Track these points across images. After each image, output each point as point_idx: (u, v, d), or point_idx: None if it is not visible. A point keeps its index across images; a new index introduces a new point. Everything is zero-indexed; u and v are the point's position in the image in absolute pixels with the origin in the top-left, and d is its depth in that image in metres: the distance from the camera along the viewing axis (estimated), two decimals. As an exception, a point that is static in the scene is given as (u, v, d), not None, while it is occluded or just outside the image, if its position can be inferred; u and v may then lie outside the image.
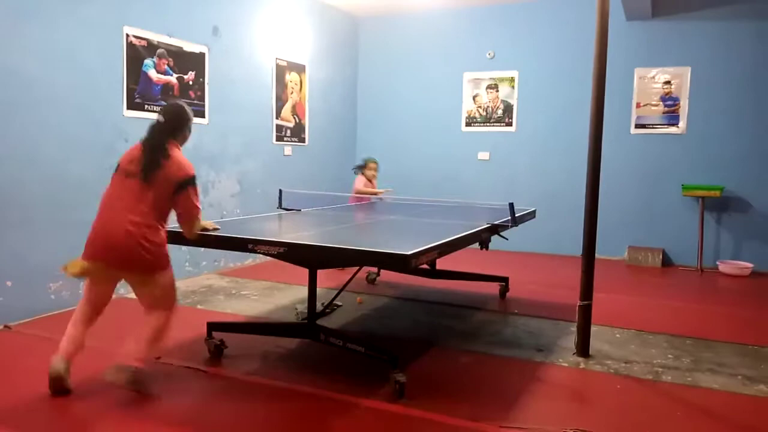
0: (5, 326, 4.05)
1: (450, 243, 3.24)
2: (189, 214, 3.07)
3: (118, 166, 3.09)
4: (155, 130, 3.08)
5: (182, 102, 3.34)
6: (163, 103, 5.26)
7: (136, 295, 3.13)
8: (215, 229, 3.26)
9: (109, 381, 2.89)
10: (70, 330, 3.08)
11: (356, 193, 6.16)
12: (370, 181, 6.33)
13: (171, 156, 3.01)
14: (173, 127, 3.12)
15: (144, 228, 2.91)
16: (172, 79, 5.37)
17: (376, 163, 6.39)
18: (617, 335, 4.17)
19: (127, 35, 4.91)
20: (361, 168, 6.34)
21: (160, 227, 3.02)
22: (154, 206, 2.96)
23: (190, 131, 3.24)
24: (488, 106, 7.85)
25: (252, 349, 3.68)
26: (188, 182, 3.02)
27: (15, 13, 4.08)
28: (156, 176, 2.96)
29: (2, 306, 4.08)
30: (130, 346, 2.99)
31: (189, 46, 5.54)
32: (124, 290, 5.01)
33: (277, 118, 6.87)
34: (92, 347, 3.72)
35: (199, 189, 3.14)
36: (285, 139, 7.04)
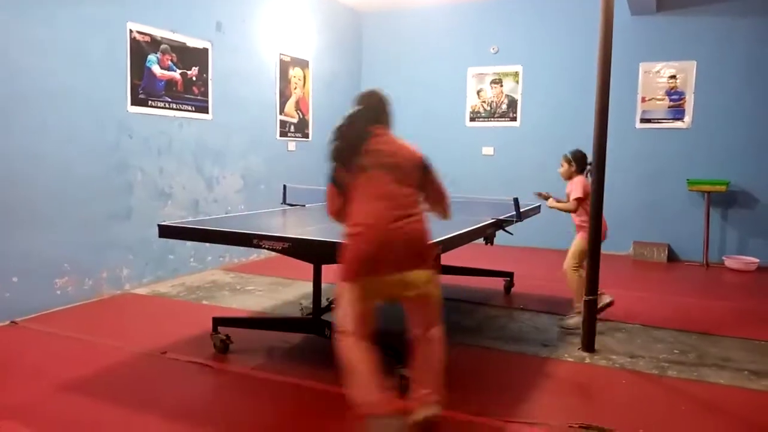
0: (11, 322, 4.07)
1: (455, 238, 3.24)
2: None
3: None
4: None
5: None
6: (168, 99, 5.27)
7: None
8: None
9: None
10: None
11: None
12: (566, 178, 5.64)
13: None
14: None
15: None
16: (176, 74, 5.37)
17: (563, 157, 5.14)
18: (623, 330, 4.16)
19: (131, 31, 4.91)
20: None
21: None
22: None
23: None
24: (492, 101, 7.83)
25: (257, 344, 3.69)
26: None
27: (18, 9, 4.08)
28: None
29: (8, 302, 4.09)
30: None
31: (192, 42, 5.53)
32: (129, 285, 5.03)
33: (280, 113, 6.86)
34: (95, 342, 3.74)
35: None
36: (289, 134, 7.04)
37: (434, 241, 2.52)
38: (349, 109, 2.60)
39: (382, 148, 2.50)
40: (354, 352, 2.41)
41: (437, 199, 2.62)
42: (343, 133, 2.55)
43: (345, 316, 2.44)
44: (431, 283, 2.46)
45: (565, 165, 4.74)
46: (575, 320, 4.08)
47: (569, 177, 4.68)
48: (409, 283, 2.41)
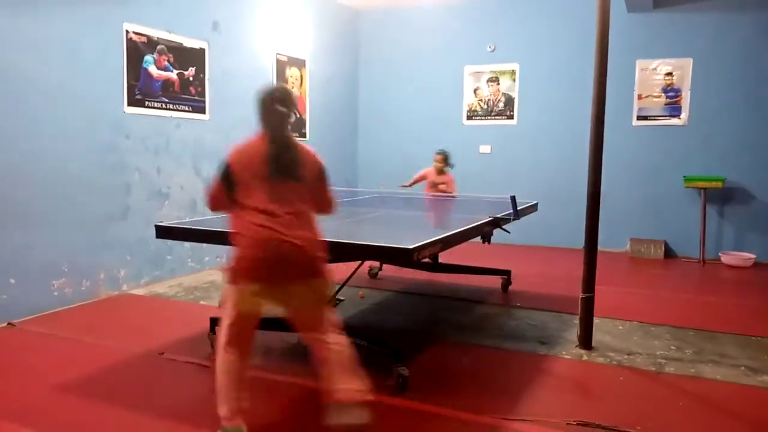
0: (9, 323, 4.06)
1: (452, 236, 3.24)
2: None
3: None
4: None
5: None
6: (165, 99, 5.26)
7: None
8: None
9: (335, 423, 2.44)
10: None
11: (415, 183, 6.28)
12: (437, 172, 6.12)
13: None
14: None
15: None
16: (173, 75, 5.36)
17: (441, 154, 6.11)
18: (620, 327, 4.17)
19: (127, 31, 4.90)
20: None
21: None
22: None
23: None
24: (489, 99, 7.83)
25: (255, 343, 3.68)
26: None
27: (14, 10, 4.08)
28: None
29: (6, 303, 4.09)
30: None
31: (189, 42, 5.53)
32: (126, 286, 5.03)
33: (277, 113, 6.85)
34: (93, 344, 3.74)
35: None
36: (286, 134, 7.02)
37: (322, 253, 2.51)
38: (265, 106, 2.52)
39: (285, 155, 2.47)
40: (224, 361, 2.47)
41: (325, 209, 2.65)
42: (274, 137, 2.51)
43: (226, 319, 2.46)
44: (320, 292, 2.48)
45: (442, 161, 5.94)
46: None
47: (442, 171, 5.92)
48: (297, 294, 2.43)
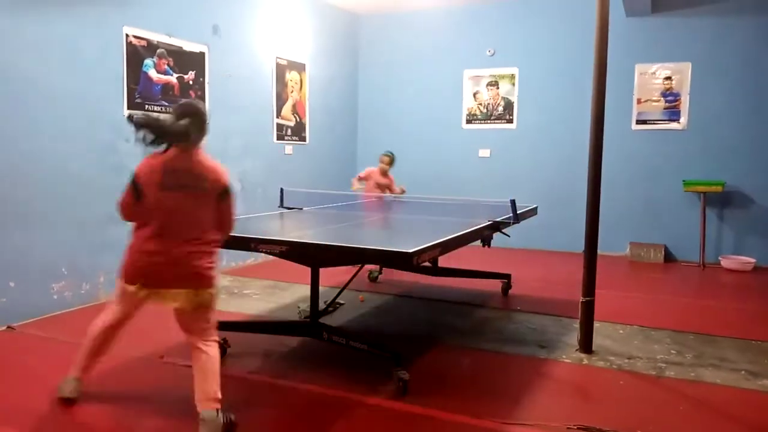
0: (8, 327, 4.06)
1: (452, 240, 3.24)
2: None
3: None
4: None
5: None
6: (165, 103, 5.27)
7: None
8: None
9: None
10: None
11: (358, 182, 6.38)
12: (382, 174, 6.36)
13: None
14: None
15: None
16: (173, 78, 5.37)
17: (388, 156, 6.37)
18: (620, 331, 4.17)
19: (127, 35, 4.91)
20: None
21: None
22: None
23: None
24: (489, 103, 7.84)
25: (255, 347, 3.69)
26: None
27: (15, 11, 4.08)
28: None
29: (5, 306, 4.08)
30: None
31: (189, 46, 5.54)
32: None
33: (277, 117, 6.87)
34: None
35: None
36: (286, 138, 7.04)
37: (208, 264, 2.68)
38: (170, 119, 2.66)
39: (188, 168, 2.64)
40: (100, 332, 2.85)
41: (223, 227, 2.78)
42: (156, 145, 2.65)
43: (114, 304, 2.83)
44: (195, 301, 2.66)
45: (390, 163, 6.25)
46: None
47: (386, 173, 6.24)
48: (174, 299, 2.66)
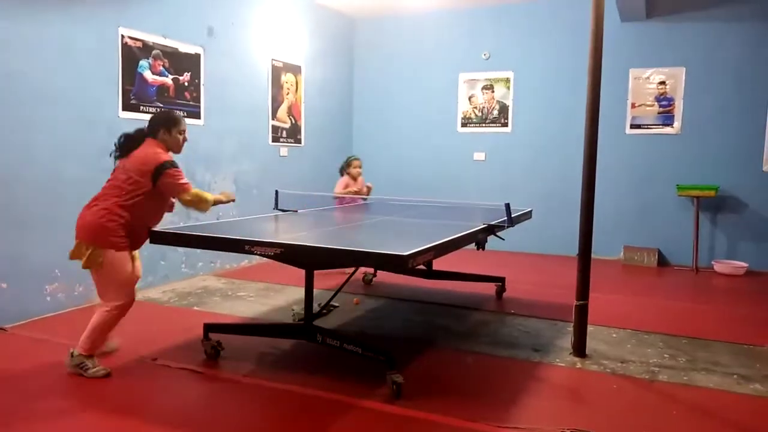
0: (1, 328, 4.04)
1: (446, 243, 3.24)
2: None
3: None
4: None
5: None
6: (160, 104, 5.26)
7: None
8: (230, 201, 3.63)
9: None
10: None
11: (335, 195, 6.08)
12: (355, 179, 6.17)
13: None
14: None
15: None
16: (168, 80, 5.36)
17: (359, 160, 6.23)
18: (613, 335, 4.18)
19: (122, 36, 4.90)
20: (345, 168, 6.20)
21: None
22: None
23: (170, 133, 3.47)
24: (484, 107, 7.86)
25: (249, 350, 3.68)
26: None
27: (10, 12, 4.07)
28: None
29: (-2, 308, 4.06)
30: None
31: (184, 47, 5.53)
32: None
33: (272, 119, 6.87)
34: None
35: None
36: (281, 140, 7.04)
37: (100, 228, 3.23)
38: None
39: (134, 154, 3.33)
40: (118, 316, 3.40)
41: (177, 194, 3.36)
42: (122, 141, 3.43)
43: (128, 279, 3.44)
44: (82, 255, 3.25)
45: (360, 165, 6.21)
46: None
47: (358, 176, 6.20)
48: (75, 247, 3.29)
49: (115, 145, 3.41)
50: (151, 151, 3.30)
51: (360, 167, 6.22)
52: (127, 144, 3.39)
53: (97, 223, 3.21)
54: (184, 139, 3.52)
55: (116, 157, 3.39)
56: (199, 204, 3.37)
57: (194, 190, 3.35)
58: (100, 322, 3.27)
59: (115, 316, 3.32)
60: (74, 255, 3.29)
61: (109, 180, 3.35)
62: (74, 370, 3.22)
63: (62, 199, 4.47)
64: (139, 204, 3.26)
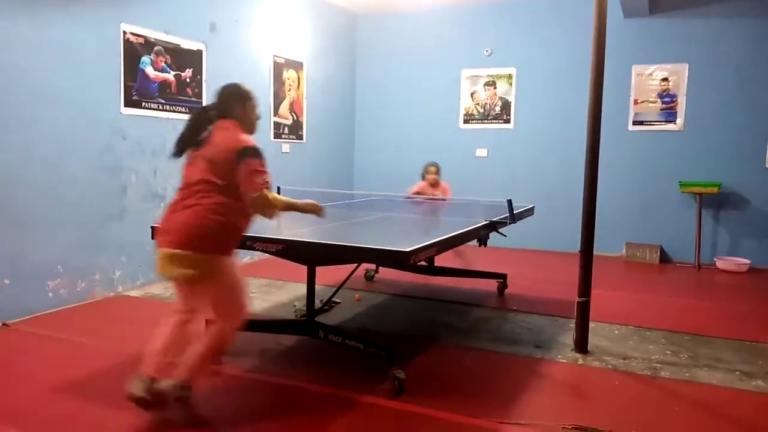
0: (3, 324, 4.05)
1: (448, 240, 3.25)
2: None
3: None
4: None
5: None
6: (161, 100, 5.26)
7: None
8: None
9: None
10: None
11: (407, 196, 5.86)
12: (432, 186, 5.84)
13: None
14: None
15: None
16: (170, 76, 5.36)
17: (434, 166, 5.90)
18: (615, 331, 4.18)
19: (124, 32, 4.90)
20: (424, 174, 5.90)
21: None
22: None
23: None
24: (486, 103, 7.85)
25: (251, 346, 3.68)
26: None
27: (11, 9, 4.07)
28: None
29: (0, 304, 4.07)
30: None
31: (186, 44, 5.52)
32: (121, 287, 5.02)
33: (274, 115, 6.86)
34: (88, 345, 3.73)
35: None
36: (283, 136, 7.03)
37: (208, 231, 2.64)
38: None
39: (212, 141, 2.70)
40: (164, 323, 2.76)
41: (246, 189, 2.67)
42: (188, 124, 2.78)
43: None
44: (183, 265, 2.59)
45: (436, 172, 5.79)
46: None
47: (436, 183, 5.73)
48: (164, 260, 2.63)
49: (184, 135, 2.75)
50: (230, 135, 2.71)
51: (435, 173, 5.86)
52: (200, 130, 2.75)
53: (203, 224, 2.59)
54: (257, 117, 2.93)
55: (185, 149, 2.76)
56: (265, 209, 2.74)
57: (271, 193, 2.74)
58: (213, 345, 2.71)
59: (232, 336, 2.79)
60: (167, 269, 2.62)
61: (187, 176, 2.73)
62: (159, 399, 2.63)
63: (64, 195, 4.48)
64: (231, 201, 2.68)
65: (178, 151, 2.76)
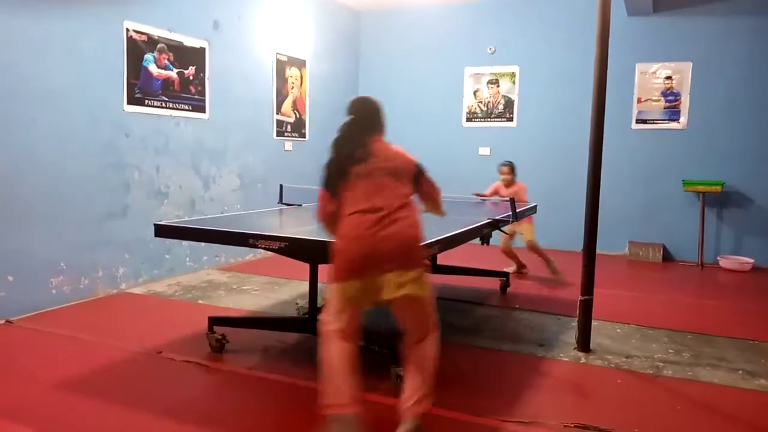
0: (7, 321, 4.06)
1: (451, 238, 3.24)
2: None
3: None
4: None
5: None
6: (165, 98, 5.26)
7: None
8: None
9: None
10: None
11: (479, 195, 5.77)
12: (506, 185, 5.83)
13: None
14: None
15: None
16: (173, 74, 5.36)
17: (506, 166, 5.88)
18: (618, 330, 4.17)
19: (128, 30, 4.90)
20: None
21: None
22: None
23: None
24: (489, 102, 7.84)
25: (253, 343, 3.69)
26: None
27: (14, 6, 4.08)
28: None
29: (4, 301, 4.08)
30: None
31: (189, 41, 5.53)
32: (124, 284, 5.03)
33: (277, 113, 6.86)
34: (91, 342, 3.74)
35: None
36: (285, 134, 7.03)
37: (425, 242, 2.60)
38: (344, 117, 2.68)
39: (379, 155, 2.58)
40: (333, 350, 2.50)
41: (429, 199, 2.78)
42: (339, 145, 2.61)
43: (332, 314, 2.53)
44: (416, 283, 2.43)
45: (509, 172, 5.72)
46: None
47: (511, 183, 5.68)
48: (391, 284, 2.41)
49: (357, 151, 2.56)
50: (396, 148, 2.68)
51: (506, 173, 5.81)
52: (370, 143, 2.61)
53: (419, 236, 2.51)
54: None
55: (357, 163, 2.54)
56: (440, 208, 2.84)
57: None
58: (433, 363, 2.55)
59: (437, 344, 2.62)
60: (374, 295, 2.45)
61: (368, 191, 2.50)
62: None
63: (67, 192, 4.49)
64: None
65: (344, 169, 2.55)
